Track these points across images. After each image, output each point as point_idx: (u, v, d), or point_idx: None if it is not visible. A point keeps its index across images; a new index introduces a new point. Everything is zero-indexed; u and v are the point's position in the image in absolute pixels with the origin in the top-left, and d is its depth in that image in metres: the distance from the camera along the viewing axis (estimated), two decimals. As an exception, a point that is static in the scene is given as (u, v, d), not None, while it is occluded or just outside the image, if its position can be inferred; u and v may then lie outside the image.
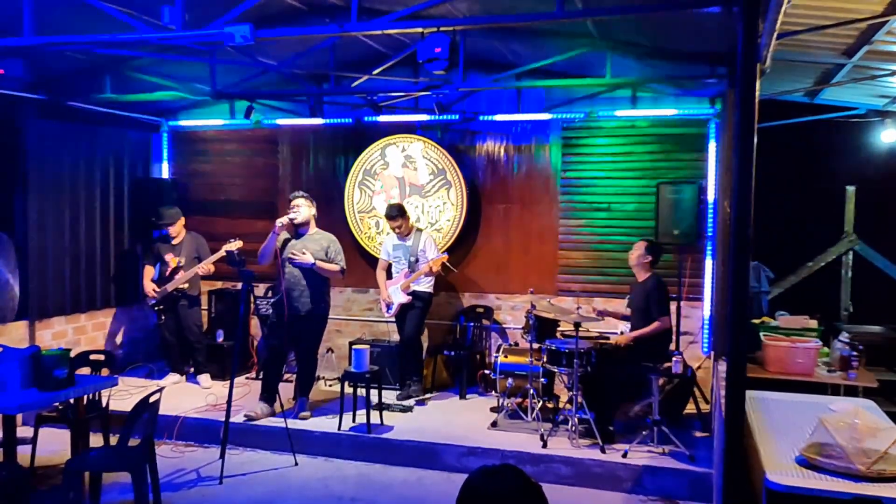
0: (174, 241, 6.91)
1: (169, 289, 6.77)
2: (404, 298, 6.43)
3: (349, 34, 4.27)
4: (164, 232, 6.94)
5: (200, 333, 7.05)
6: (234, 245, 6.39)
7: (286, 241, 6.02)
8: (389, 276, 6.66)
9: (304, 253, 5.90)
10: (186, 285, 6.83)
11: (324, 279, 6.07)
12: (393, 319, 6.68)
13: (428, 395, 6.65)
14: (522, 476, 1.67)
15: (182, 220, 6.99)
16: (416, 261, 6.44)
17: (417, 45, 4.02)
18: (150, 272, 6.92)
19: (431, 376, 6.86)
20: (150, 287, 6.83)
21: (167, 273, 6.80)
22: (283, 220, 5.88)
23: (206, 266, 6.72)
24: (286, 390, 6.18)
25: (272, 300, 6.49)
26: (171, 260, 6.82)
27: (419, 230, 6.65)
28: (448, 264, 6.55)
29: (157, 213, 6.95)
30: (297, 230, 6.05)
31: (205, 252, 6.87)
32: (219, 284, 7.69)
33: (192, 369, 7.07)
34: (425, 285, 6.50)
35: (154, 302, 6.84)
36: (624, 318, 5.97)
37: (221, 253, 6.53)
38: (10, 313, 5.88)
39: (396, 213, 6.49)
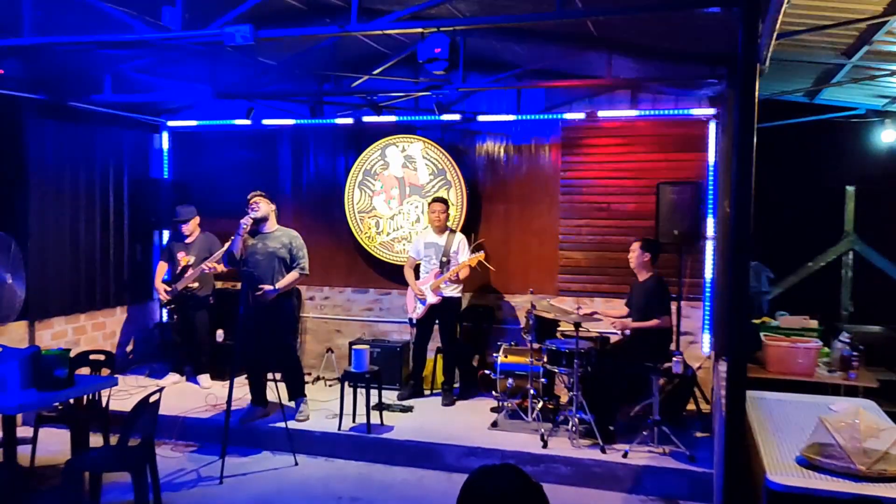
0: (188, 240, 6.93)
1: (178, 287, 6.77)
2: (434, 299, 6.37)
3: (349, 34, 4.27)
4: (179, 228, 6.94)
5: (206, 335, 7.05)
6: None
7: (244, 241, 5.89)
8: (416, 276, 6.63)
9: (260, 291, 5.73)
10: (196, 285, 6.83)
11: (283, 276, 5.91)
12: (413, 320, 6.59)
13: (426, 397, 6.65)
14: (523, 476, 1.67)
15: (197, 219, 6.99)
16: (448, 261, 6.40)
17: (417, 45, 4.02)
18: (162, 270, 6.93)
19: (431, 376, 6.85)
20: (160, 286, 6.84)
21: (177, 271, 6.81)
22: (247, 220, 5.74)
23: (210, 264, 6.70)
24: (285, 391, 6.17)
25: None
26: (182, 258, 6.83)
27: (453, 231, 6.60)
28: (485, 262, 6.49)
29: (172, 210, 6.99)
30: (256, 227, 5.90)
31: (216, 251, 6.85)
32: (219, 284, 7.68)
33: (191, 369, 7.08)
34: (455, 290, 6.44)
35: (166, 301, 6.87)
36: (622, 317, 5.97)
37: (221, 252, 6.53)
38: (12, 313, 5.88)
39: (444, 201, 6.53)
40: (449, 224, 6.72)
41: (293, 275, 5.91)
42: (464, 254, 6.46)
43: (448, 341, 6.54)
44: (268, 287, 5.77)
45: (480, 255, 6.37)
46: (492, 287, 7.17)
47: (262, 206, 5.90)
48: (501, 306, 7.18)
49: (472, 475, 1.69)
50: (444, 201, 6.57)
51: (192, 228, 6.95)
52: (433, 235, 6.55)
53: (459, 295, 6.53)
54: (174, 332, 7.05)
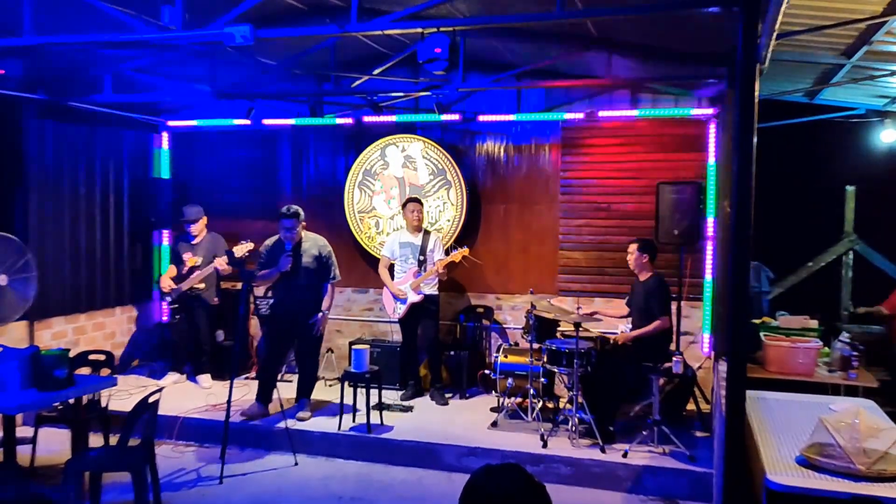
0: (194, 241, 6.94)
1: (183, 287, 6.78)
2: (415, 297, 6.41)
3: (349, 34, 4.27)
4: (186, 229, 6.94)
5: (209, 336, 7.06)
6: (244, 248, 6.40)
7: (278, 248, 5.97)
8: (391, 276, 6.64)
9: (314, 323, 5.97)
10: (202, 285, 6.83)
11: (321, 282, 6.06)
12: (395, 320, 6.65)
13: (423, 397, 6.65)
14: (526, 475, 1.66)
15: (204, 220, 7.02)
16: (425, 260, 6.43)
17: (417, 45, 4.02)
18: (171, 271, 6.96)
19: (431, 376, 6.85)
20: (166, 284, 6.85)
21: (184, 272, 6.82)
22: (288, 262, 5.81)
23: (222, 263, 6.70)
24: (288, 391, 6.18)
25: (271, 301, 6.48)
26: (189, 259, 6.84)
27: (427, 232, 6.64)
28: (471, 256, 6.52)
29: (179, 211, 7.02)
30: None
31: (222, 252, 6.84)
32: (221, 285, 7.67)
33: (191, 369, 7.08)
34: (433, 287, 6.50)
35: (170, 299, 6.87)
36: (622, 317, 5.97)
37: (236, 253, 6.54)
38: (12, 314, 5.85)
39: (420, 201, 6.58)
40: (444, 226, 6.75)
41: (331, 290, 6.06)
42: (439, 252, 6.50)
43: (431, 339, 6.54)
44: (319, 316, 5.97)
45: (465, 251, 6.37)
46: (491, 287, 7.17)
47: (298, 231, 5.92)
48: (501, 306, 7.18)
49: (475, 474, 1.68)
50: (420, 201, 6.61)
51: (199, 229, 6.96)
52: (408, 235, 6.58)
53: (436, 292, 6.55)
54: (175, 332, 7.05)
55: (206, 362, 7.02)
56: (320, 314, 6.00)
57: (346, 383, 5.91)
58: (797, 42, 4.42)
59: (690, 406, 5.98)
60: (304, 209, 6.08)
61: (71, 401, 4.83)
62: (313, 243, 6.07)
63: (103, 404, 5.28)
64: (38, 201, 6.45)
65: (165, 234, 7.88)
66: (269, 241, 6.07)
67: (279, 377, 6.36)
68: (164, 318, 7.69)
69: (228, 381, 5.35)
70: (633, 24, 5.13)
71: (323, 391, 6.79)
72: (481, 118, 6.86)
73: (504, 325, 7.15)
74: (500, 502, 1.61)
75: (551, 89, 6.74)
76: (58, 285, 6.64)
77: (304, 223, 6.02)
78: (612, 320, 6.10)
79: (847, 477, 2.77)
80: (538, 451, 5.27)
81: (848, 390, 5.06)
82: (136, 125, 7.60)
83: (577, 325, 5.40)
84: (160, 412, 4.55)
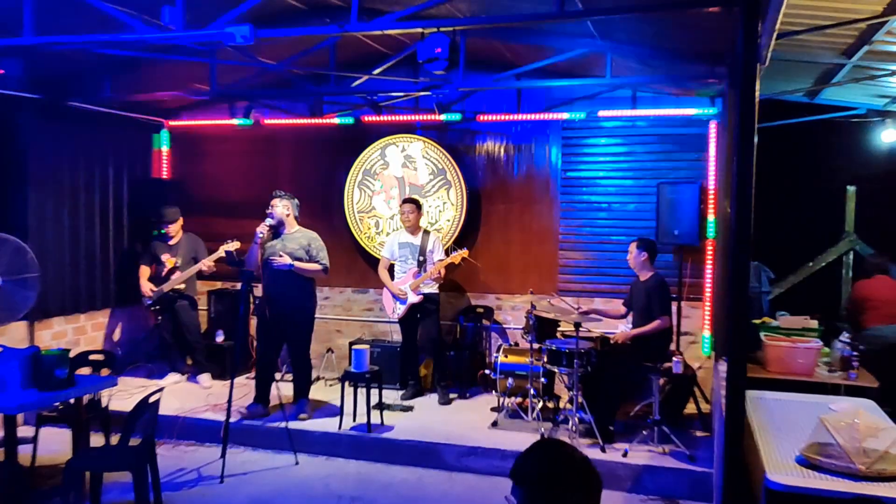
0: (171, 242, 6.92)
1: (165, 289, 6.77)
2: (415, 298, 6.41)
3: (349, 34, 4.28)
4: (162, 230, 6.94)
5: (198, 333, 7.06)
6: (233, 245, 6.41)
7: (265, 243, 5.97)
8: (391, 276, 6.64)
9: (280, 256, 5.86)
10: (183, 286, 6.84)
11: (306, 279, 6.03)
12: (395, 320, 6.65)
13: (426, 395, 6.66)
14: (551, 457, 1.75)
15: (181, 221, 7.00)
16: (425, 261, 6.43)
17: (417, 45, 4.03)
18: (146, 272, 6.92)
19: (431, 376, 6.86)
20: (146, 287, 6.83)
21: (163, 273, 6.81)
22: (263, 228, 5.80)
23: (208, 263, 6.71)
24: (288, 390, 6.18)
25: (257, 302, 6.45)
26: (168, 260, 6.82)
27: (427, 231, 6.64)
28: (470, 258, 6.53)
29: (157, 212, 6.97)
30: (276, 230, 5.99)
31: (202, 253, 6.86)
32: (218, 284, 7.69)
33: (191, 369, 7.08)
34: (433, 287, 6.50)
35: (150, 302, 6.84)
36: (620, 316, 5.98)
37: (220, 253, 6.55)
38: (13, 315, 5.86)
39: (415, 201, 6.56)
40: (444, 226, 6.74)
41: (315, 265, 5.98)
42: (438, 252, 6.49)
43: (433, 339, 6.53)
44: (284, 259, 5.83)
45: (464, 252, 6.37)
46: (492, 287, 7.17)
47: (278, 211, 5.94)
48: (501, 306, 7.18)
49: (523, 456, 1.76)
50: (415, 201, 6.59)
51: (176, 230, 6.95)
52: (407, 236, 6.56)
53: (437, 291, 6.55)
54: (164, 333, 7.04)
55: (204, 361, 7.02)
56: (286, 261, 5.83)
57: (346, 383, 5.91)
58: (797, 42, 4.42)
59: (690, 406, 5.98)
60: (303, 209, 6.10)
61: (71, 401, 4.84)
62: (304, 235, 6.06)
63: (104, 404, 5.29)
64: (38, 201, 6.45)
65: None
66: None
67: (279, 377, 6.35)
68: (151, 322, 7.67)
69: (229, 381, 5.36)
70: (633, 24, 5.13)
71: (323, 391, 6.80)
72: (481, 118, 6.87)
73: (504, 325, 7.15)
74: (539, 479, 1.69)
75: (551, 89, 6.74)
76: (58, 285, 6.64)
77: (289, 208, 5.99)
78: (611, 319, 6.10)
79: (847, 477, 2.77)
80: (538, 450, 5.26)
81: (848, 390, 5.06)
82: (136, 125, 7.60)
83: (577, 325, 5.41)
84: (161, 412, 4.55)
